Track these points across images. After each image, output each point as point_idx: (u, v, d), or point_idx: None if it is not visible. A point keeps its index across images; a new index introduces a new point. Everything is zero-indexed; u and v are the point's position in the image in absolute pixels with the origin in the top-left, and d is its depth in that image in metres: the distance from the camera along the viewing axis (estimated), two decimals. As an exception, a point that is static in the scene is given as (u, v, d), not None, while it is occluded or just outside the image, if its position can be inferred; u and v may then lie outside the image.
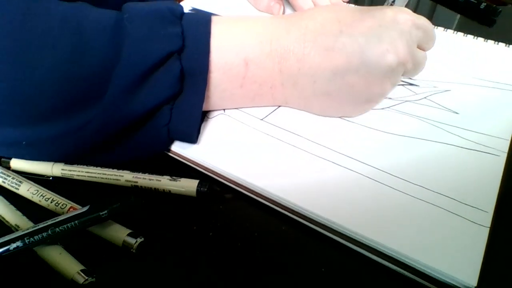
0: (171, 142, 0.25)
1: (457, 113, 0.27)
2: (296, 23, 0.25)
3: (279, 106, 0.28)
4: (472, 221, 0.20)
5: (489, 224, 0.20)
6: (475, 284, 0.18)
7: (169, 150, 0.26)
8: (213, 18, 0.24)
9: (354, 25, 0.24)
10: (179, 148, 0.25)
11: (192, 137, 0.25)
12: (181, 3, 0.39)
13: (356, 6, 0.26)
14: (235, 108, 0.28)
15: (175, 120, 0.24)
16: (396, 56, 0.23)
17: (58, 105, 0.21)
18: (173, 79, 0.23)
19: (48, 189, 0.23)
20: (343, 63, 0.24)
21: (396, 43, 0.23)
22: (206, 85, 0.24)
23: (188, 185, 0.23)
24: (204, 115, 0.27)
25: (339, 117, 0.27)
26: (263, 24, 0.25)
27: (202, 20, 0.24)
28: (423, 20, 0.25)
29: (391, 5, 0.25)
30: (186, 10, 0.39)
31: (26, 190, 0.23)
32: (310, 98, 0.26)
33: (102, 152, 0.24)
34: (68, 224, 0.20)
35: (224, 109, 0.28)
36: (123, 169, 0.24)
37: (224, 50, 0.24)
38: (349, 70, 0.24)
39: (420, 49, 0.26)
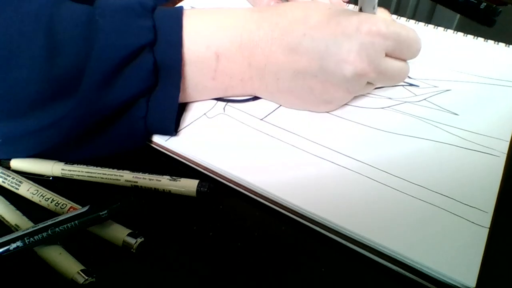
0: (149, 136, 0.26)
1: (457, 114, 0.28)
2: (267, 19, 0.25)
3: (279, 107, 0.28)
4: (471, 222, 0.20)
5: (488, 225, 0.20)
6: (474, 285, 0.18)
7: (169, 150, 0.26)
8: (185, 11, 0.25)
9: (319, 29, 0.24)
10: (179, 148, 0.25)
11: (169, 129, 0.25)
12: (181, 3, 0.39)
13: (339, 7, 0.25)
14: (235, 108, 0.28)
15: (152, 112, 0.24)
16: (352, 67, 0.23)
17: (33, 102, 0.21)
18: (146, 72, 0.23)
19: (48, 189, 0.23)
20: (304, 66, 0.24)
21: (354, 54, 0.23)
22: (180, 78, 0.24)
23: (188, 185, 0.23)
24: (202, 114, 0.27)
25: (339, 117, 0.27)
26: (235, 17, 0.26)
27: (174, 13, 0.24)
28: (393, 29, 0.23)
29: (360, 10, 0.24)
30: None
31: (26, 190, 0.23)
32: (275, 93, 0.27)
33: (81, 146, 0.24)
34: (68, 224, 0.20)
35: (224, 109, 0.28)
36: (123, 169, 0.24)
37: (196, 43, 0.24)
38: (308, 73, 0.25)
39: (397, 58, 0.25)
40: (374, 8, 0.24)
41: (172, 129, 0.25)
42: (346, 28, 0.23)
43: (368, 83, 0.26)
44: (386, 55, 0.24)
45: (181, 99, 0.26)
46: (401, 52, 0.24)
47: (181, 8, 0.25)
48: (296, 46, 0.24)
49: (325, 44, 0.23)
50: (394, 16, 0.39)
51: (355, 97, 0.29)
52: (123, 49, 0.22)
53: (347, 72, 0.23)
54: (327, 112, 0.28)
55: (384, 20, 0.23)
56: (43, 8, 0.21)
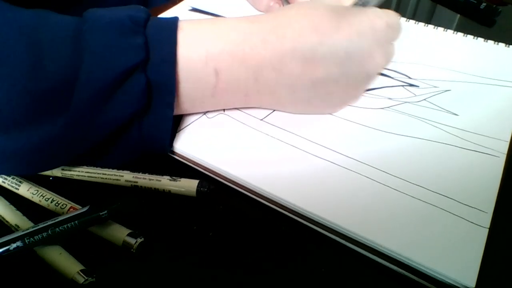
0: (144, 151, 0.24)
1: (456, 114, 0.28)
2: (272, 31, 0.24)
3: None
4: (471, 222, 0.20)
5: (488, 225, 0.20)
6: (474, 285, 0.18)
7: (169, 150, 0.26)
8: (180, 24, 0.23)
9: (333, 35, 0.23)
10: (179, 148, 0.25)
11: (164, 148, 0.24)
12: (181, 3, 0.39)
13: (333, 7, 0.25)
14: (235, 108, 0.28)
15: (145, 132, 0.23)
16: (374, 64, 0.25)
17: (18, 119, 0.20)
18: (138, 93, 0.21)
19: (48, 189, 0.23)
20: (323, 74, 0.24)
21: (375, 52, 0.24)
22: (174, 97, 0.23)
23: (188, 185, 0.23)
24: (202, 114, 0.27)
25: (340, 117, 0.27)
26: (234, 29, 0.24)
27: (167, 27, 0.23)
28: (392, 17, 0.25)
29: (363, 5, 0.25)
30: (186, 10, 0.39)
31: (26, 190, 0.23)
32: (287, 105, 0.26)
33: (73, 163, 0.24)
34: (68, 224, 0.20)
35: (224, 109, 0.28)
36: (123, 169, 0.24)
37: (192, 59, 0.23)
38: (329, 80, 0.24)
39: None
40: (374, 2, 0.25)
41: (167, 149, 0.24)
42: (359, 28, 0.24)
43: None
44: None
45: (178, 113, 0.26)
46: (394, 36, 0.27)
47: (175, 19, 0.23)
48: (312, 56, 0.23)
49: (344, 48, 0.23)
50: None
51: (355, 97, 0.29)
52: (113, 69, 0.20)
53: (371, 69, 0.25)
54: (330, 113, 0.28)
55: (387, 13, 0.25)
56: (27, 20, 0.20)
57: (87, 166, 0.24)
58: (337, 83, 0.24)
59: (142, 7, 0.23)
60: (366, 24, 0.24)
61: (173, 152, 0.26)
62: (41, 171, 0.24)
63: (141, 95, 0.22)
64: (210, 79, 0.24)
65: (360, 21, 0.24)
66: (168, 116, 0.23)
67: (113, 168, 0.24)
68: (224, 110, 0.28)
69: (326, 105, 0.27)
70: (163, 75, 0.22)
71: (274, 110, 0.28)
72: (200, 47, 0.23)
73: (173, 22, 0.23)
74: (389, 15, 0.25)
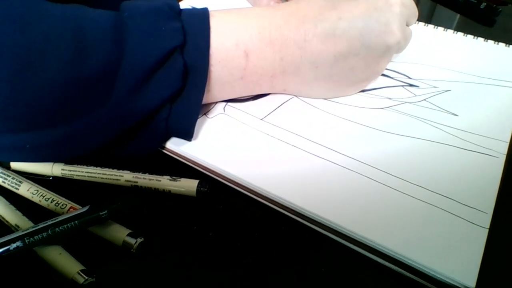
0: (168, 138, 0.25)
1: (456, 114, 0.28)
2: (292, 13, 0.26)
3: (279, 106, 0.28)
4: (471, 222, 0.20)
5: (488, 225, 0.20)
6: (474, 285, 0.18)
7: (169, 150, 0.26)
8: (212, 12, 0.25)
9: (351, 10, 0.25)
10: (179, 148, 0.25)
11: (189, 133, 0.25)
12: (181, 3, 0.39)
13: None
14: (235, 108, 0.28)
15: (174, 114, 0.24)
16: (393, 36, 0.26)
17: (63, 108, 0.20)
18: (176, 75, 0.23)
19: (48, 189, 0.23)
20: (345, 48, 0.25)
21: (391, 24, 0.25)
22: (206, 80, 0.24)
23: (188, 185, 0.23)
24: (202, 114, 0.27)
25: (340, 117, 0.27)
26: (260, 15, 0.26)
27: (200, 14, 0.24)
28: None
29: None
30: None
31: (26, 190, 0.23)
32: (311, 83, 0.27)
33: (102, 150, 0.24)
34: (68, 224, 0.20)
35: (224, 109, 0.28)
36: (123, 169, 0.24)
37: (224, 43, 0.24)
38: (350, 54, 0.25)
39: (407, 25, 0.28)
40: None
41: (192, 133, 0.25)
42: (376, 4, 0.25)
43: None
44: None
45: (206, 100, 0.26)
46: (411, 19, 0.28)
47: (206, 9, 0.25)
48: (333, 31, 0.25)
49: (363, 22, 0.25)
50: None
51: (356, 98, 0.29)
52: (154, 52, 0.21)
53: (389, 41, 0.26)
54: (330, 113, 0.28)
55: None
56: (69, 11, 0.20)
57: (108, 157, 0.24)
58: (358, 56, 0.26)
59: None
60: (383, 0, 0.26)
61: (173, 152, 0.26)
62: (75, 157, 0.24)
63: (179, 77, 0.23)
64: (241, 61, 0.25)
65: None
66: (199, 99, 0.24)
67: (132, 153, 0.24)
68: (224, 110, 0.28)
69: (349, 82, 0.28)
70: (198, 59, 0.23)
71: (273, 110, 0.28)
72: (231, 32, 0.25)
73: (205, 10, 0.25)
74: None
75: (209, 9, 0.25)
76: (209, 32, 0.24)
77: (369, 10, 0.25)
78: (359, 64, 0.26)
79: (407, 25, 0.28)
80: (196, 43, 0.23)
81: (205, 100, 0.26)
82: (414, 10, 0.28)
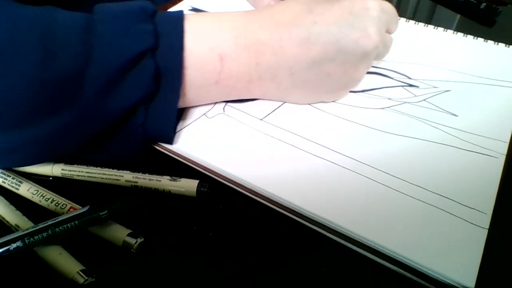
0: (147, 143, 0.25)
1: (456, 115, 0.28)
2: (268, 17, 0.25)
3: (279, 106, 0.28)
4: (470, 222, 0.20)
5: (487, 226, 0.20)
6: (473, 285, 0.18)
7: (168, 149, 0.26)
8: (187, 16, 0.24)
9: (326, 15, 0.24)
10: (179, 148, 0.25)
11: (168, 137, 0.24)
12: (181, 3, 0.39)
13: None
14: (235, 108, 0.28)
15: (150, 119, 0.23)
16: (370, 41, 0.25)
17: (31, 110, 0.20)
18: (147, 78, 0.22)
19: (48, 189, 0.23)
20: (320, 53, 0.24)
21: (368, 29, 0.25)
22: (181, 83, 0.24)
23: (188, 185, 0.23)
24: (202, 113, 0.27)
25: (339, 117, 0.27)
26: (236, 19, 0.25)
27: (175, 17, 0.24)
28: (388, 5, 0.27)
29: None
30: (186, 10, 0.39)
31: (26, 190, 0.23)
32: (288, 89, 0.27)
33: (76, 154, 0.24)
34: (68, 224, 0.20)
35: (223, 109, 0.28)
36: (123, 169, 0.24)
37: (198, 46, 0.24)
38: (326, 59, 0.25)
39: (387, 32, 0.28)
40: None
41: (171, 137, 0.25)
42: (352, 8, 0.25)
43: None
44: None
45: (182, 105, 0.26)
46: (392, 26, 0.28)
47: (181, 12, 0.25)
48: (308, 36, 0.24)
49: (338, 26, 0.24)
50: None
51: (355, 98, 0.29)
52: (124, 54, 0.21)
53: (365, 46, 0.25)
54: (330, 113, 0.28)
55: (381, 1, 0.26)
56: (39, 14, 0.20)
57: (87, 160, 0.24)
58: (334, 62, 0.25)
59: (148, 1, 0.24)
60: (359, 5, 0.25)
61: (173, 152, 0.26)
62: (46, 161, 0.24)
63: (150, 80, 0.22)
64: (215, 65, 0.25)
65: (353, 2, 0.25)
66: (174, 103, 0.24)
67: (112, 159, 0.24)
68: (224, 110, 0.28)
69: (328, 88, 0.27)
70: (171, 62, 0.23)
71: (273, 110, 0.28)
72: (205, 36, 0.24)
73: (180, 13, 0.24)
74: (384, 2, 0.26)
75: (185, 13, 0.25)
76: (183, 35, 0.23)
77: (344, 15, 0.24)
78: (336, 71, 0.25)
79: (388, 32, 0.28)
80: (169, 46, 0.23)
81: (181, 104, 0.26)
82: (394, 17, 0.27)
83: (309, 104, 0.28)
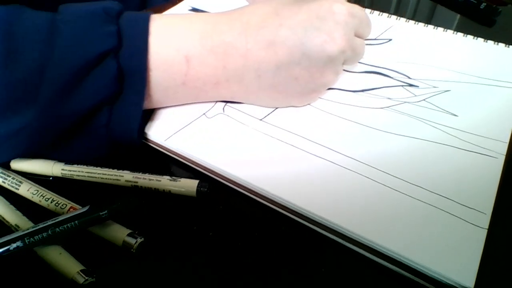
0: (113, 144, 0.25)
1: (456, 115, 0.28)
2: (237, 19, 0.25)
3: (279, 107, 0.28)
4: (470, 223, 0.20)
5: (487, 226, 0.20)
6: (472, 285, 0.18)
7: (168, 149, 0.26)
8: (152, 16, 0.24)
9: (292, 18, 0.24)
10: (178, 148, 0.25)
11: (132, 137, 0.24)
12: (181, 3, 0.39)
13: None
14: (234, 108, 0.28)
15: (115, 120, 0.23)
16: (335, 45, 0.24)
17: None
18: (109, 79, 0.22)
19: (48, 189, 0.23)
20: (286, 56, 0.24)
21: (334, 33, 0.24)
22: (145, 84, 0.24)
23: (188, 185, 0.23)
24: (202, 113, 0.27)
25: (339, 117, 0.27)
26: (203, 20, 0.25)
27: (141, 18, 0.24)
28: (357, 9, 0.26)
29: None
30: (186, 10, 0.39)
31: (26, 190, 0.23)
32: (256, 93, 0.27)
33: (43, 152, 0.24)
34: (68, 224, 0.20)
35: (223, 110, 0.28)
36: (123, 169, 0.24)
37: (164, 47, 0.24)
38: (292, 62, 0.25)
39: (358, 36, 0.27)
40: None
41: (136, 138, 0.24)
42: (319, 12, 0.25)
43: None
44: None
45: (149, 106, 0.26)
46: (363, 30, 0.27)
47: (148, 13, 0.25)
48: (274, 38, 0.24)
49: (303, 30, 0.24)
50: (394, 17, 0.39)
51: (355, 97, 0.29)
52: (84, 55, 0.21)
53: (331, 50, 0.24)
54: (329, 113, 0.28)
55: (351, 4, 0.26)
56: (4, 12, 0.20)
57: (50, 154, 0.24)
58: (300, 66, 0.25)
59: (116, 1, 0.24)
60: (326, 8, 0.25)
61: (173, 152, 0.26)
62: (6, 161, 0.24)
63: (113, 81, 0.22)
64: (181, 67, 0.24)
65: (320, 5, 0.25)
66: (139, 104, 0.24)
67: (78, 159, 0.24)
68: (223, 110, 0.28)
69: (295, 93, 0.27)
70: (134, 63, 0.23)
71: (273, 110, 0.28)
72: (171, 37, 0.24)
73: (146, 14, 0.24)
74: (353, 6, 0.26)
75: (153, 14, 0.25)
76: (147, 36, 0.23)
77: (311, 18, 0.24)
78: (302, 75, 0.25)
79: (360, 37, 0.27)
80: (133, 47, 0.23)
81: (148, 105, 0.26)
82: (365, 21, 0.27)
83: (308, 104, 0.28)
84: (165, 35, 0.24)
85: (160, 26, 0.24)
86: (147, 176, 0.24)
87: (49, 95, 0.21)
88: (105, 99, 0.23)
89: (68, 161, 0.25)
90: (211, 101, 0.28)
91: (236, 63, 0.25)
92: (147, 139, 0.26)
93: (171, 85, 0.25)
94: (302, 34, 0.24)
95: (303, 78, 0.25)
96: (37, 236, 0.20)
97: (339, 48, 0.25)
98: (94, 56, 0.21)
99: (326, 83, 0.27)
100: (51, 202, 0.22)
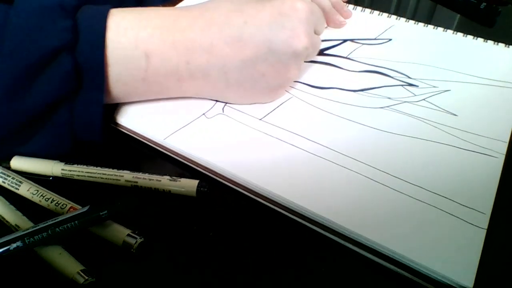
0: (77, 141, 0.25)
1: (455, 114, 0.28)
2: (199, 15, 0.25)
3: (278, 106, 0.28)
4: (469, 223, 0.21)
5: (486, 226, 0.20)
6: (472, 285, 0.18)
7: (168, 149, 0.26)
8: (111, 11, 0.24)
9: (256, 15, 0.25)
10: (179, 148, 0.25)
11: (94, 132, 0.24)
12: (181, 4, 0.39)
13: None
14: (234, 109, 0.28)
15: (76, 117, 0.23)
16: (300, 42, 0.25)
17: None
18: (65, 75, 0.22)
19: (48, 189, 0.23)
20: (252, 53, 0.25)
21: (297, 29, 0.25)
22: (104, 80, 0.23)
23: (188, 185, 0.23)
24: (202, 113, 0.27)
25: (339, 116, 0.27)
26: (164, 15, 0.25)
27: (98, 12, 0.23)
28: (316, 6, 0.27)
29: None
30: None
31: (26, 190, 0.23)
32: (223, 89, 0.27)
33: (6, 152, 0.24)
34: (68, 224, 0.20)
35: (222, 110, 0.28)
36: (123, 169, 0.24)
37: (122, 43, 0.24)
38: (258, 59, 0.25)
39: (315, 33, 0.28)
40: None
41: (99, 133, 0.24)
42: (282, 9, 0.25)
43: None
44: None
45: (110, 101, 0.26)
46: (320, 27, 0.29)
47: (107, 7, 0.24)
48: (239, 35, 0.24)
49: (268, 27, 0.25)
50: (394, 17, 0.39)
51: (355, 97, 0.29)
52: (36, 50, 0.21)
53: (296, 46, 0.25)
54: (329, 112, 0.28)
55: (310, 1, 0.27)
56: None
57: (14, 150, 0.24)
58: (266, 62, 0.25)
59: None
60: (288, 6, 0.25)
61: (173, 152, 0.26)
62: None
63: (68, 77, 0.22)
64: (141, 63, 0.24)
65: (283, 2, 0.25)
66: (99, 99, 0.24)
67: (43, 153, 0.24)
68: (223, 110, 0.28)
69: (262, 89, 0.27)
70: (92, 58, 0.23)
71: (273, 110, 0.28)
72: (130, 31, 0.24)
73: (104, 8, 0.24)
74: (313, 4, 0.27)
75: (112, 8, 0.24)
76: (105, 31, 0.23)
77: (274, 15, 0.25)
78: (269, 71, 0.26)
79: (316, 33, 0.28)
80: (90, 42, 0.22)
81: (109, 100, 0.25)
82: (322, 19, 0.28)
83: (307, 103, 0.28)
84: (124, 30, 0.24)
85: (119, 21, 0.24)
86: (147, 176, 0.24)
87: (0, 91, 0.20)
88: (62, 96, 0.22)
89: (68, 161, 0.24)
90: (206, 100, 0.28)
91: (200, 59, 0.25)
92: (146, 138, 0.26)
93: (131, 80, 0.25)
94: (268, 31, 0.25)
95: (270, 74, 0.26)
96: (37, 236, 0.20)
97: (303, 44, 0.25)
98: (47, 52, 0.21)
99: (291, 78, 0.28)
100: (51, 202, 0.22)
